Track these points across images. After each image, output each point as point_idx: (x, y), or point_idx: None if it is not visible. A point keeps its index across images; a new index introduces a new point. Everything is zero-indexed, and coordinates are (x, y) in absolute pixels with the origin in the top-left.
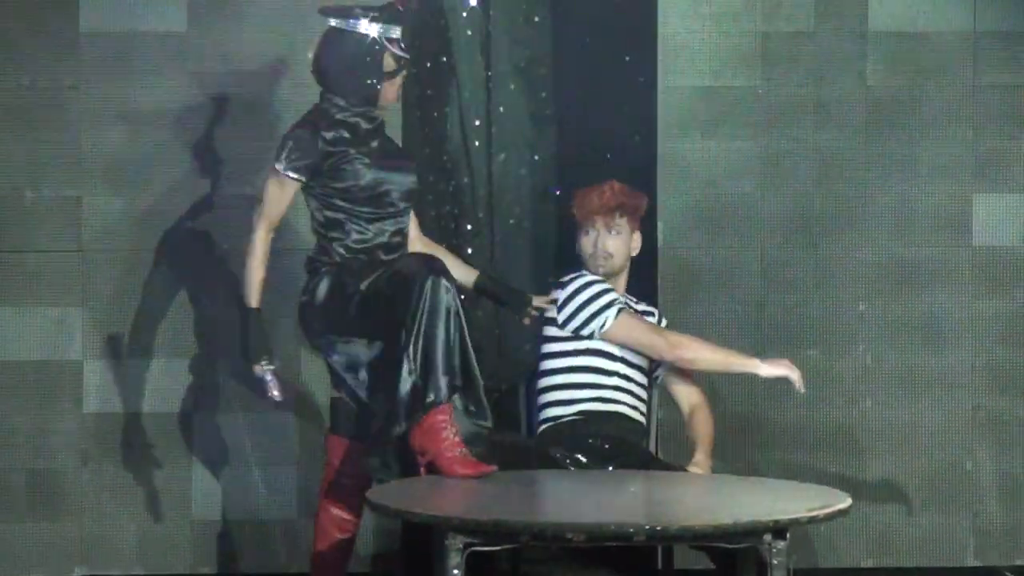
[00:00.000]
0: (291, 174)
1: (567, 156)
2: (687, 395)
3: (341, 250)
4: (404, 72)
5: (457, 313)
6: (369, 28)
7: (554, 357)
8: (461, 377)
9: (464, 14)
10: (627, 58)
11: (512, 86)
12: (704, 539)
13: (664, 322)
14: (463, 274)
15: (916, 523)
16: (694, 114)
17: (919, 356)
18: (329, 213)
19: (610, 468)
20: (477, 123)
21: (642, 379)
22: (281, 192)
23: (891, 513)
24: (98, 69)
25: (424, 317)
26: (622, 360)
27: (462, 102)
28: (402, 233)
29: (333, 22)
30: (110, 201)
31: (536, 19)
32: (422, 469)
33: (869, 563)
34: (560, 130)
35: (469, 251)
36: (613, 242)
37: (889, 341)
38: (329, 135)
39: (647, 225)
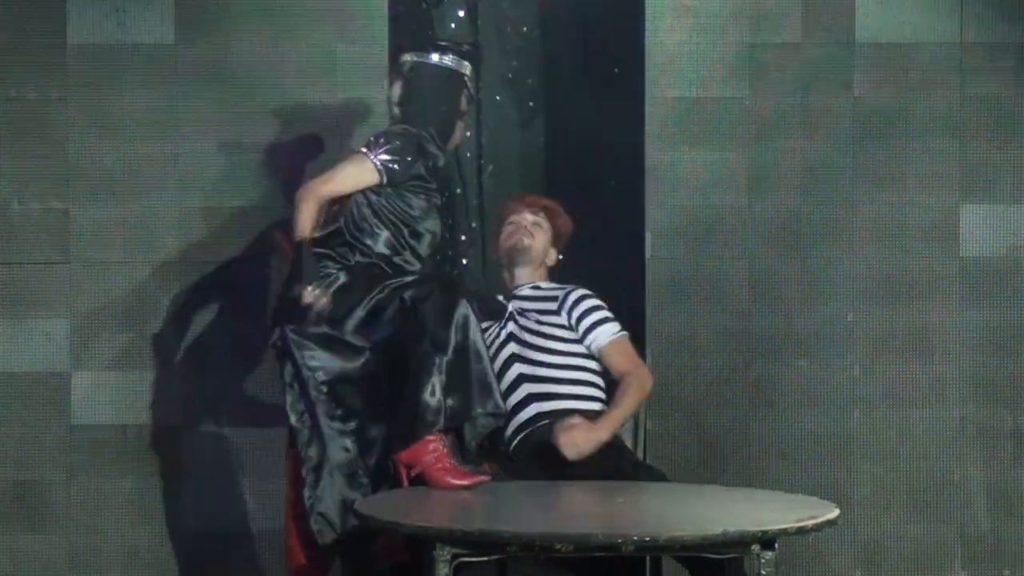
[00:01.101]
0: (381, 172)
1: (555, 167)
2: (617, 365)
3: (361, 258)
4: (466, 117)
5: (480, 337)
6: (453, 63)
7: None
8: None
9: (452, 25)
10: (615, 69)
11: (500, 97)
12: (692, 549)
13: (576, 293)
14: None
15: (904, 534)
16: (682, 125)
17: (907, 367)
18: (375, 221)
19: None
20: (468, 134)
21: (577, 361)
22: (357, 177)
23: (879, 524)
24: (86, 81)
25: (450, 339)
26: (540, 349)
27: None
28: (413, 265)
29: (414, 57)
30: (98, 213)
31: (524, 30)
32: (405, 481)
33: (857, 574)
34: (548, 141)
35: (464, 261)
36: (532, 219)
37: (877, 352)
38: (421, 164)
39: (635, 236)
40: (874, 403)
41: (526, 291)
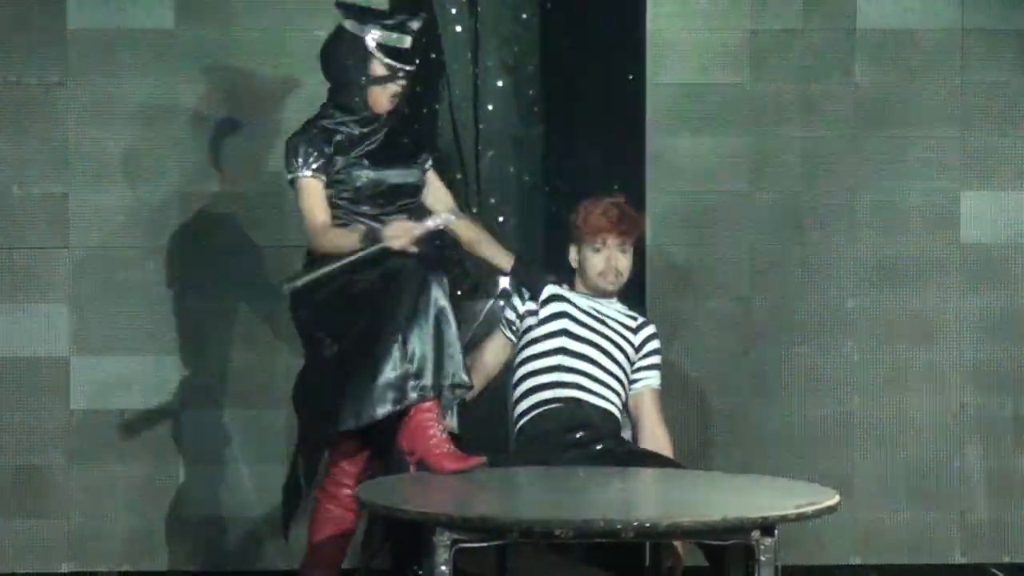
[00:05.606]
0: (317, 175)
1: (555, 153)
2: (653, 413)
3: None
4: (401, 83)
5: (449, 310)
6: (360, 31)
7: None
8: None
9: (453, 11)
10: (616, 55)
11: (500, 83)
12: (692, 536)
13: (652, 329)
14: (501, 257)
15: (904, 520)
16: (683, 111)
17: (907, 353)
18: (333, 211)
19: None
20: (465, 120)
21: (607, 363)
22: (317, 194)
23: (879, 510)
24: (85, 66)
25: (420, 312)
26: (569, 334)
27: (452, 99)
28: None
29: (340, 14)
30: (98, 198)
31: (524, 16)
32: (412, 467)
33: (856, 560)
34: (548, 127)
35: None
36: (624, 262)
37: (877, 338)
38: (327, 143)
39: None
40: (874, 389)
41: (603, 302)
